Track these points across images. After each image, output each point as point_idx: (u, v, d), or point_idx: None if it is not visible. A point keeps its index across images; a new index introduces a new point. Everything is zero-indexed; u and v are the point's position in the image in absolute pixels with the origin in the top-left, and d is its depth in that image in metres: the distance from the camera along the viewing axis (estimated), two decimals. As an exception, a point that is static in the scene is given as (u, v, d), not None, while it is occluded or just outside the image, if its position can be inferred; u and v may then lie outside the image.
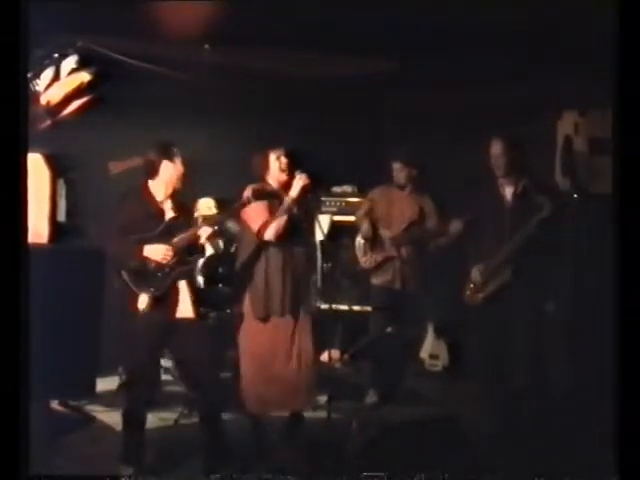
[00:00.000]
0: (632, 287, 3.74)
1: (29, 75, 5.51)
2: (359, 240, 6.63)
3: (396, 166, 6.54)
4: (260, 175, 5.40)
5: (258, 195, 5.20)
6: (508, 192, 5.66)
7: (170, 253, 4.82)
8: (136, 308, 4.78)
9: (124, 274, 4.79)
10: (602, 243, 4.48)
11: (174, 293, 4.90)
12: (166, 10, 5.66)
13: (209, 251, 4.98)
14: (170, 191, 4.95)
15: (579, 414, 5.52)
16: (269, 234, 5.23)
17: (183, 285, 4.95)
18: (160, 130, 6.94)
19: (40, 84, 5.77)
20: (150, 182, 4.96)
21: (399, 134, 7.23)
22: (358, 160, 6.78)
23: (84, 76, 5.86)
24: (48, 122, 5.82)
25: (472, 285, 5.67)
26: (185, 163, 4.95)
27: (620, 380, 3.70)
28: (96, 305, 6.11)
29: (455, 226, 5.97)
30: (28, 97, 4.90)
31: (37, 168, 5.69)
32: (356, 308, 6.76)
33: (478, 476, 4.54)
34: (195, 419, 5.29)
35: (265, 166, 5.38)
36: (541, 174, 6.12)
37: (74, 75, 5.83)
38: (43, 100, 5.78)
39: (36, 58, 5.62)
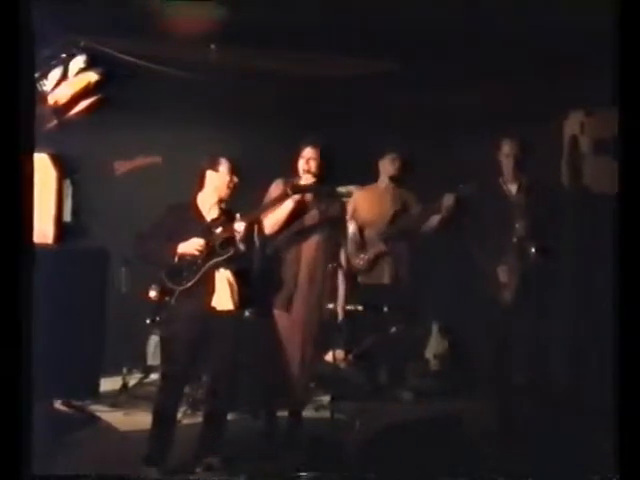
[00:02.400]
0: (634, 288, 3.73)
1: (36, 75, 5.52)
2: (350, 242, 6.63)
3: (390, 157, 6.56)
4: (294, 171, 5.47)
5: (297, 190, 5.28)
6: (513, 189, 5.74)
7: (202, 244, 4.87)
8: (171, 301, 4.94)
9: (162, 274, 4.95)
10: (607, 243, 4.47)
11: (210, 285, 4.92)
12: (173, 10, 5.66)
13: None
14: (215, 199, 5.01)
15: (579, 414, 5.51)
16: (266, 227, 5.30)
17: (222, 277, 4.96)
18: (167, 130, 7.00)
19: (47, 84, 5.76)
20: (199, 195, 5.06)
21: (399, 134, 7.20)
22: (359, 160, 6.76)
23: (91, 76, 5.85)
24: (55, 122, 5.82)
25: (505, 289, 5.69)
26: (233, 171, 5.00)
27: (620, 380, 3.69)
28: (101, 305, 6.13)
29: (447, 200, 6.07)
30: (35, 97, 4.91)
31: (43, 168, 5.69)
32: (360, 308, 6.74)
33: (480, 476, 4.55)
34: (198, 419, 5.29)
35: (294, 164, 5.46)
36: (547, 174, 6.15)
37: (81, 75, 5.83)
38: (50, 100, 5.78)
39: (44, 58, 5.62)
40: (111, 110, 6.03)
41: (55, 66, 5.80)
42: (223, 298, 4.94)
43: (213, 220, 4.99)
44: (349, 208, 6.66)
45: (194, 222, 4.99)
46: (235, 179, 5.00)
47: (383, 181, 6.65)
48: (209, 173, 5.01)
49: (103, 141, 6.62)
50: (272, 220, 5.34)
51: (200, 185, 5.05)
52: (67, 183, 5.99)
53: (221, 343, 4.94)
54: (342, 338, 6.72)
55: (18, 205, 3.76)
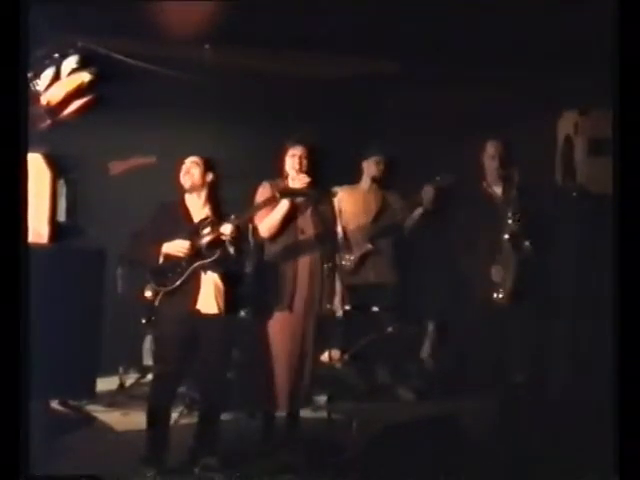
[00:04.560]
0: (632, 287, 3.74)
1: (29, 75, 5.49)
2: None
3: (375, 159, 6.56)
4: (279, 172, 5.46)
5: (285, 193, 5.24)
6: (498, 190, 5.78)
7: (187, 246, 4.86)
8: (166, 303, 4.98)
9: (147, 274, 5.01)
10: (602, 243, 4.49)
11: (195, 287, 4.92)
12: (167, 10, 5.66)
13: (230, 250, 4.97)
14: (204, 199, 5.05)
15: (579, 414, 5.52)
16: (262, 230, 5.28)
17: (208, 280, 4.96)
18: (160, 130, 6.99)
19: (40, 84, 5.73)
20: (187, 195, 5.08)
21: (399, 134, 7.22)
22: (358, 160, 6.76)
23: (85, 76, 5.82)
24: (48, 122, 5.80)
25: (501, 289, 5.70)
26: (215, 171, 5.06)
27: (620, 380, 3.70)
28: (96, 305, 6.10)
29: (427, 192, 6.19)
30: (28, 97, 4.89)
31: (37, 168, 5.66)
32: (348, 308, 6.73)
33: (478, 476, 4.56)
34: (195, 419, 5.29)
35: (281, 164, 5.44)
36: (541, 174, 6.16)
37: (75, 75, 5.80)
38: (43, 100, 5.75)
39: (36, 58, 5.59)
40: (105, 110, 6.00)
41: (48, 66, 5.78)
42: (209, 301, 4.95)
43: (201, 221, 4.99)
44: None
45: (182, 223, 5.01)
46: (209, 177, 5.03)
47: (366, 182, 6.65)
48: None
49: (97, 141, 6.60)
50: (268, 223, 5.33)
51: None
52: (61, 183, 5.96)
53: (210, 344, 4.95)
54: (338, 338, 6.73)
55: (13, 205, 3.75)
